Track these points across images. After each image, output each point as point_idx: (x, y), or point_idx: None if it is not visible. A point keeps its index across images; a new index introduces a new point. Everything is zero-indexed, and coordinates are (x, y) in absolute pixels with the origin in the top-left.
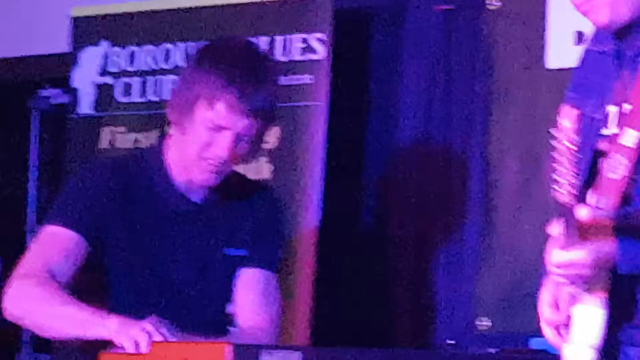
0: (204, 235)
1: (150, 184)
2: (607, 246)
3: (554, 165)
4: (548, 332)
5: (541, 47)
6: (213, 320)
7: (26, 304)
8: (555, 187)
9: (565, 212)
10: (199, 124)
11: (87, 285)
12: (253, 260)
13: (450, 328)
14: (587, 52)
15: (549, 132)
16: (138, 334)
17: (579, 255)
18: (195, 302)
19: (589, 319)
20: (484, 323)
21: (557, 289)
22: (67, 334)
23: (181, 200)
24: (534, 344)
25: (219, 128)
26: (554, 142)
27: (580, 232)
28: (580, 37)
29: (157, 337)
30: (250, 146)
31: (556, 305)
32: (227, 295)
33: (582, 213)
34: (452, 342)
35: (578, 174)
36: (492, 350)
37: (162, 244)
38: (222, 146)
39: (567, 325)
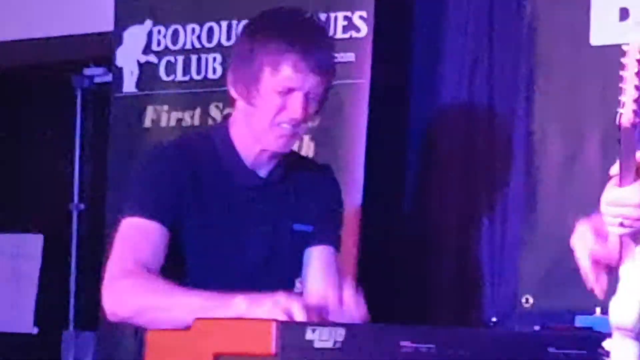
0: (274, 210)
1: (219, 162)
2: None
3: (621, 85)
4: (584, 260)
5: (585, 24)
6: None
7: (136, 302)
8: (619, 109)
9: (625, 139)
10: (268, 91)
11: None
12: (323, 238)
13: (494, 306)
14: None
15: (592, 109)
16: (273, 308)
17: (631, 192)
18: (267, 277)
19: (637, 273)
20: (528, 301)
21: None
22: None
23: (250, 176)
24: (580, 321)
25: (289, 90)
26: (623, 60)
27: (638, 170)
28: (624, 13)
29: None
30: (318, 104)
31: (599, 234)
32: (294, 270)
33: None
34: (496, 319)
35: None
36: (536, 328)
37: (235, 220)
38: (294, 108)
39: (606, 261)
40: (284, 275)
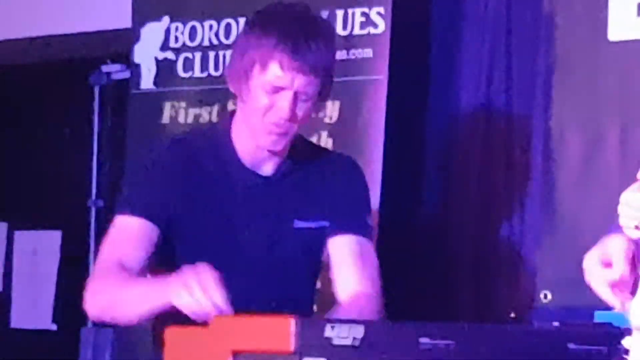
0: (273, 209)
1: (218, 160)
2: None
3: None
4: (603, 290)
5: (603, 19)
6: (288, 296)
7: (101, 301)
8: None
9: None
10: (256, 89)
11: (157, 269)
12: (340, 227)
13: (513, 302)
14: None
15: (610, 104)
16: (190, 282)
17: None
18: (267, 279)
19: None
20: (546, 297)
21: (610, 246)
22: (140, 314)
23: (249, 176)
24: (599, 317)
25: (277, 89)
26: None
27: None
28: None
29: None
30: (311, 105)
31: (608, 264)
32: (300, 269)
33: None
34: (515, 316)
35: None
36: (555, 324)
37: (232, 220)
38: (281, 107)
39: (623, 283)
40: (287, 274)
